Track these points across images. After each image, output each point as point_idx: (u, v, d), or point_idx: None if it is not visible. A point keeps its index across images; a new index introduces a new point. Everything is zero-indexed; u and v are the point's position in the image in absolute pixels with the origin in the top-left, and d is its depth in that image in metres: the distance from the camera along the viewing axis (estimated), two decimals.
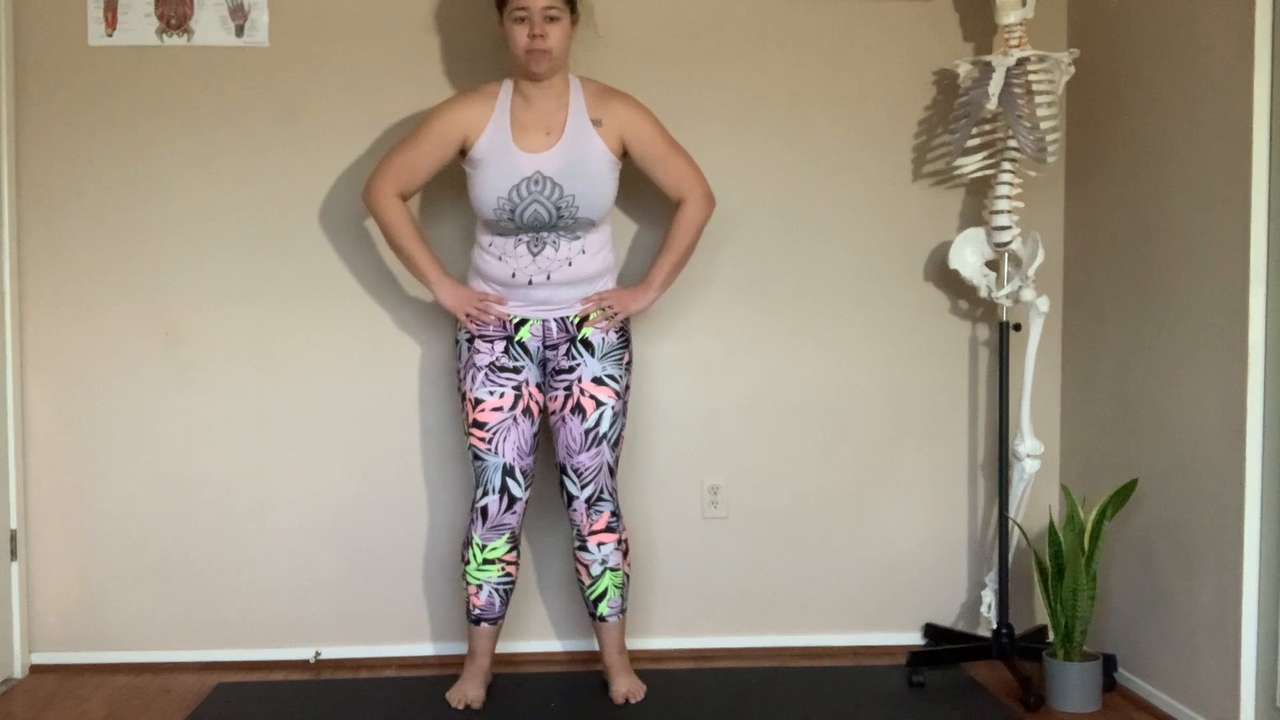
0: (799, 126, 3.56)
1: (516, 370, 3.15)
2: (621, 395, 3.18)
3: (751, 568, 3.63)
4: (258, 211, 3.48)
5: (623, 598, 3.25)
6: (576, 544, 3.23)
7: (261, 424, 3.51)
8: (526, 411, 3.15)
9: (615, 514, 3.22)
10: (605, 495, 3.19)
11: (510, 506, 3.15)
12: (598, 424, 3.15)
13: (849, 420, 3.63)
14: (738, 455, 3.61)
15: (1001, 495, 3.42)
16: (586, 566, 3.22)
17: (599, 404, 3.15)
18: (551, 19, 3.00)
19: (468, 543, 3.18)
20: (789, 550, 3.64)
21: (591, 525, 3.19)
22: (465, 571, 3.20)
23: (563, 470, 3.19)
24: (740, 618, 3.64)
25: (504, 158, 3.05)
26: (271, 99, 3.46)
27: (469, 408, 3.15)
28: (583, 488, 3.17)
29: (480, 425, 3.13)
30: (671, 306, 3.56)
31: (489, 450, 3.13)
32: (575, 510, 3.20)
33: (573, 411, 3.15)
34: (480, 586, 3.19)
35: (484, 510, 3.15)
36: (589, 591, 3.24)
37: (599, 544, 3.20)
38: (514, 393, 3.14)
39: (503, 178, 3.04)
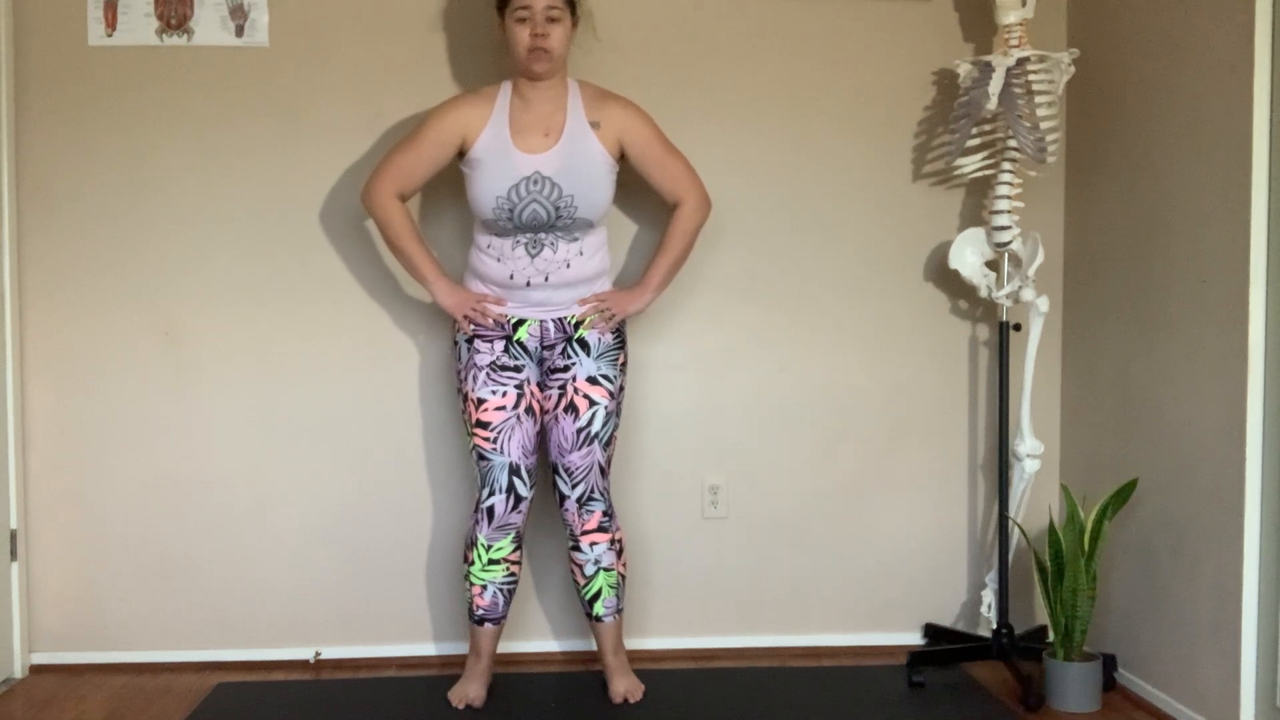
0: (799, 127, 3.56)
1: (518, 369, 3.15)
2: (615, 396, 3.18)
3: (751, 568, 3.63)
4: (258, 212, 3.48)
5: (618, 598, 3.25)
6: (570, 544, 3.23)
7: (261, 424, 3.51)
8: (529, 410, 3.16)
9: (607, 514, 3.22)
10: (597, 495, 3.20)
11: (516, 505, 3.15)
12: (590, 423, 3.15)
13: (849, 420, 3.63)
14: (738, 455, 3.61)
15: (1001, 495, 3.42)
16: (580, 567, 3.22)
17: (592, 403, 3.15)
18: (553, 19, 3.01)
19: (472, 543, 3.18)
20: (789, 550, 3.64)
21: (583, 525, 3.19)
22: (469, 572, 3.20)
23: (554, 469, 3.19)
24: (740, 618, 3.64)
25: (502, 158, 3.05)
26: (271, 99, 3.46)
27: (471, 408, 3.15)
28: (573, 487, 3.17)
29: (484, 425, 3.13)
30: (671, 306, 3.56)
31: (494, 450, 3.13)
32: (567, 510, 3.20)
33: (566, 410, 3.15)
34: (485, 587, 3.19)
35: (490, 510, 3.15)
36: (584, 592, 3.24)
37: (591, 544, 3.20)
38: (516, 391, 3.14)
39: (501, 178, 3.04)
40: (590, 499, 3.19)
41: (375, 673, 3.46)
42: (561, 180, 3.04)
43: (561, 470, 3.18)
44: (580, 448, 3.15)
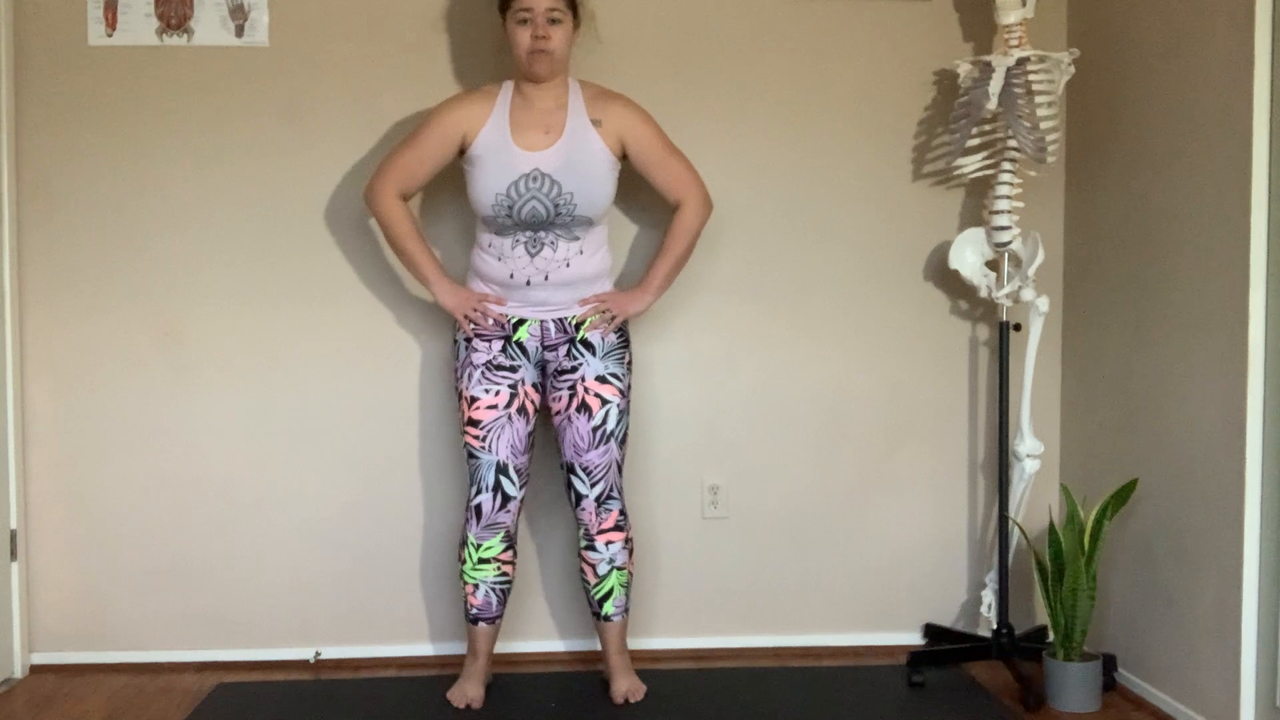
0: (799, 127, 3.56)
1: (513, 369, 3.15)
2: (625, 394, 3.19)
3: (751, 568, 3.63)
4: (258, 212, 3.48)
5: (627, 597, 3.25)
6: (584, 544, 3.23)
7: (261, 424, 3.51)
8: (521, 410, 3.16)
9: (623, 513, 3.22)
10: (614, 494, 3.20)
11: (504, 505, 3.16)
12: (604, 421, 3.16)
13: (849, 420, 3.63)
14: (738, 455, 3.61)
15: (1001, 495, 3.42)
16: (593, 566, 3.22)
17: (604, 402, 3.15)
18: (554, 21, 3.01)
19: (464, 542, 3.19)
20: (789, 550, 3.64)
21: (601, 524, 3.20)
22: (462, 571, 3.20)
23: (570, 470, 3.19)
24: (740, 618, 3.64)
25: (502, 155, 3.05)
26: (271, 99, 3.46)
27: (464, 405, 3.16)
28: (592, 486, 3.18)
29: (475, 423, 3.14)
30: (672, 306, 3.56)
31: (483, 448, 3.14)
32: (584, 509, 3.20)
33: (579, 410, 3.15)
34: (477, 586, 3.19)
35: (478, 509, 3.16)
36: (594, 591, 3.24)
37: (607, 543, 3.21)
38: (509, 391, 3.14)
39: (501, 174, 3.04)
40: (609, 497, 3.19)
41: (375, 673, 3.46)
42: (561, 177, 3.04)
43: (579, 470, 3.18)
44: (597, 446, 3.16)
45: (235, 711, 3.14)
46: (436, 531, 3.56)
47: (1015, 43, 3.26)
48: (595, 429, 3.16)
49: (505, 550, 3.20)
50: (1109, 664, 3.28)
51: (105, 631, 3.52)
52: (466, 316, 3.15)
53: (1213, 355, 2.87)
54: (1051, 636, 3.19)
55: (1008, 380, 3.41)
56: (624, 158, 3.17)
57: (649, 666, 3.44)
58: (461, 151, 3.13)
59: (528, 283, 3.12)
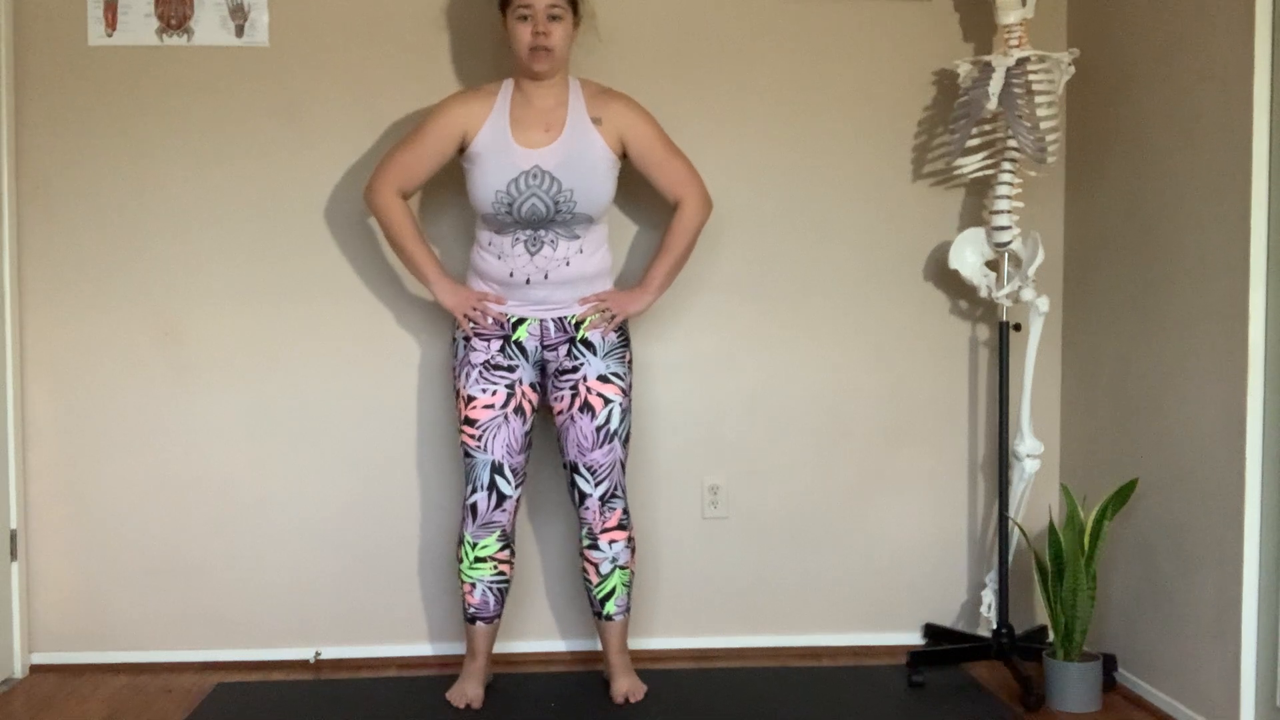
0: (799, 127, 3.56)
1: (510, 369, 3.15)
2: (627, 393, 3.19)
3: (751, 568, 3.63)
4: (258, 211, 3.48)
5: (628, 596, 3.25)
6: (586, 543, 3.23)
7: (261, 424, 3.51)
8: (519, 410, 3.16)
9: (626, 512, 3.23)
10: (618, 493, 3.20)
11: (499, 504, 3.16)
12: (608, 420, 3.16)
13: (849, 420, 3.63)
14: (738, 455, 3.61)
15: (1001, 495, 3.42)
16: (596, 565, 3.22)
17: (607, 401, 3.16)
18: (554, 18, 3.02)
19: (460, 541, 3.19)
20: (789, 550, 3.64)
21: (604, 523, 3.20)
22: (460, 570, 3.21)
23: (574, 469, 3.19)
24: (740, 618, 3.64)
25: (502, 153, 3.05)
26: (271, 99, 3.46)
27: (461, 405, 3.16)
28: (597, 485, 3.18)
29: (471, 422, 3.14)
30: (672, 306, 3.56)
31: (478, 447, 3.14)
32: (588, 509, 3.20)
33: (581, 410, 3.15)
34: (474, 585, 3.19)
35: (473, 508, 3.16)
36: (597, 590, 3.24)
37: (610, 542, 3.21)
38: (506, 391, 3.14)
39: (501, 172, 3.05)
40: (613, 496, 3.20)
41: (375, 673, 3.46)
42: (561, 175, 3.04)
43: (583, 469, 3.18)
44: (601, 445, 3.16)
45: (235, 711, 3.14)
46: (436, 531, 3.56)
47: (1015, 43, 3.26)
48: (599, 428, 3.16)
49: (502, 549, 3.20)
50: (1109, 664, 3.28)
51: (105, 631, 3.52)
52: (466, 315, 3.15)
53: (1213, 355, 2.87)
54: (1051, 636, 3.19)
55: (1008, 380, 3.41)
56: (624, 156, 3.17)
57: (649, 666, 3.44)
58: (461, 150, 3.14)
59: (527, 281, 3.12)
